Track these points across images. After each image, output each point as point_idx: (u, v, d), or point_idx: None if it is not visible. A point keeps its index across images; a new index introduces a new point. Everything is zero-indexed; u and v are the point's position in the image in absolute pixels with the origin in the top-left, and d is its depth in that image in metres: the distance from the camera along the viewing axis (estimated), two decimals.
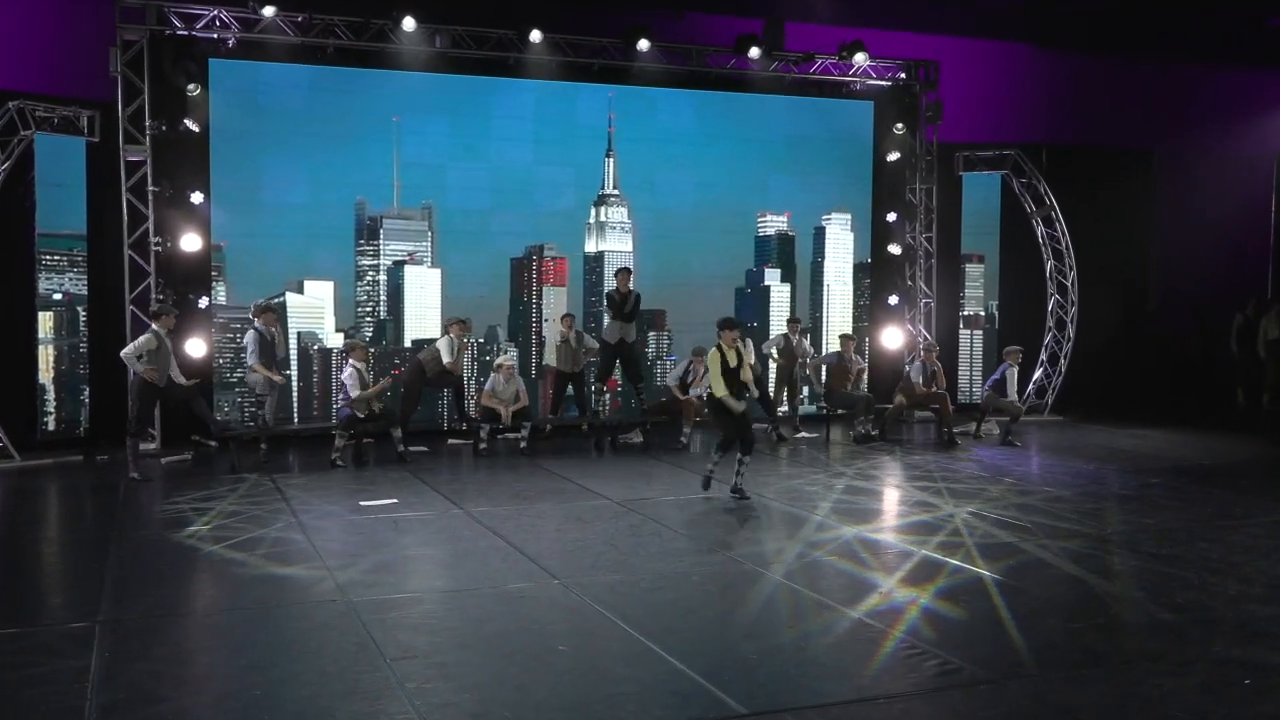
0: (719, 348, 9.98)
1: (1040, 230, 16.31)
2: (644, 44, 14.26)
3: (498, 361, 13.27)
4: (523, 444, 12.91)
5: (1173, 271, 18.09)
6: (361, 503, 10.01)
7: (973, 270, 16.98)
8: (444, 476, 11.41)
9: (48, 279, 12.68)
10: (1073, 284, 16.22)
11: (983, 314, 17.00)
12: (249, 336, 12.24)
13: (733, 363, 9.98)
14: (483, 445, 12.79)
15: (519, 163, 14.48)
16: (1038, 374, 16.40)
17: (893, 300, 15.92)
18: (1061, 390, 16.27)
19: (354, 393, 11.90)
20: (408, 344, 14.15)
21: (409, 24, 13.22)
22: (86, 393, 12.94)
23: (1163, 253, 17.96)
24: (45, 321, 12.69)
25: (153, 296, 12.38)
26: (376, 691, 5.42)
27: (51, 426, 12.78)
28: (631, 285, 13.52)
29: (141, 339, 11.17)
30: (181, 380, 11.35)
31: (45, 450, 12.22)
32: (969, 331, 16.97)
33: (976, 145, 16.46)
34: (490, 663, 5.84)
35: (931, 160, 16.02)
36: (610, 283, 13.86)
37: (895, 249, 15.89)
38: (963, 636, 6.27)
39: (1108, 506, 9.94)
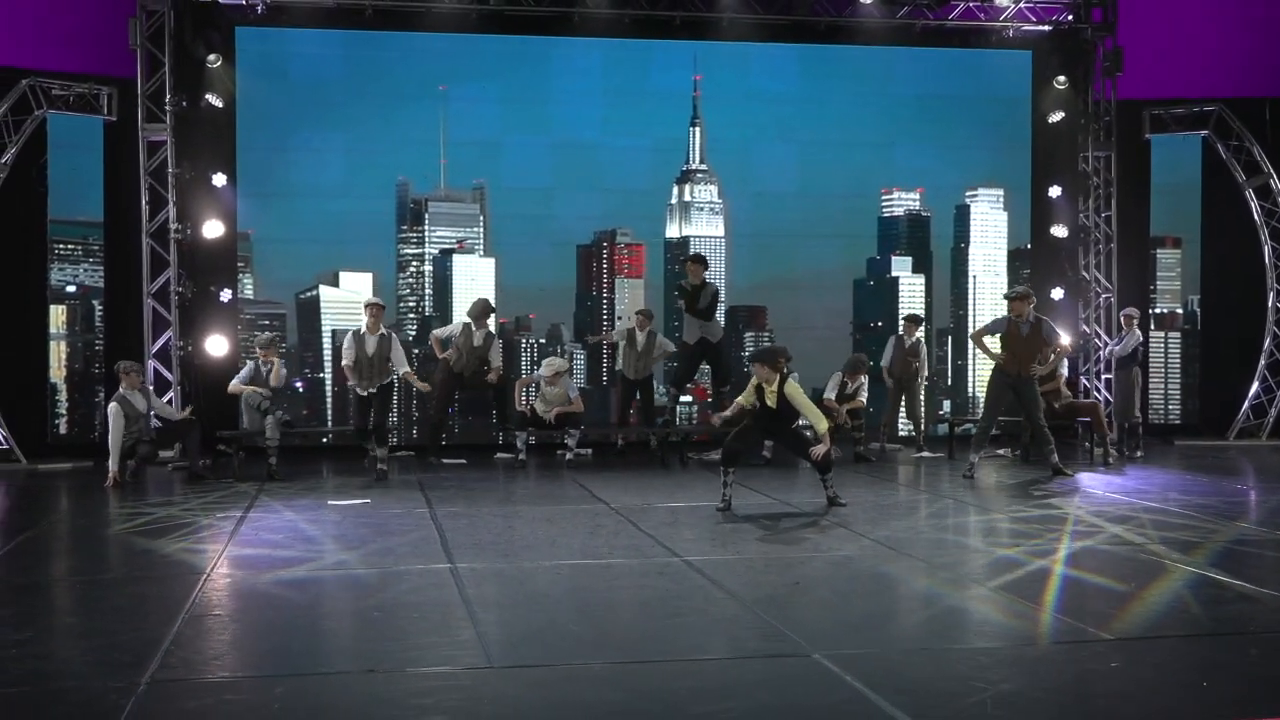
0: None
1: (1255, 205, 15.82)
2: None
3: (545, 364, 13.95)
4: (568, 455, 13.60)
5: None
6: (330, 502, 11.01)
7: (1166, 257, 16.63)
8: (450, 482, 12.24)
9: (61, 270, 14.45)
10: None
11: (1180, 312, 16.59)
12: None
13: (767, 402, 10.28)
14: (520, 457, 13.51)
15: (586, 135, 15.33)
16: (1255, 388, 15.82)
17: (1058, 294, 15.75)
18: None
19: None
20: None
21: None
22: (101, 394, 14.58)
23: None
24: (58, 315, 14.43)
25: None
26: (143, 645, 6.26)
27: (63, 430, 14.49)
28: (708, 276, 14.02)
29: (112, 418, 12.03)
30: (172, 415, 12.63)
31: (56, 455, 13.80)
32: (1163, 333, 16.58)
33: (1168, 102, 16.13)
34: (291, 623, 6.62)
35: (1109, 121, 15.84)
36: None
37: (1061, 231, 15.76)
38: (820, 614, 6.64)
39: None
